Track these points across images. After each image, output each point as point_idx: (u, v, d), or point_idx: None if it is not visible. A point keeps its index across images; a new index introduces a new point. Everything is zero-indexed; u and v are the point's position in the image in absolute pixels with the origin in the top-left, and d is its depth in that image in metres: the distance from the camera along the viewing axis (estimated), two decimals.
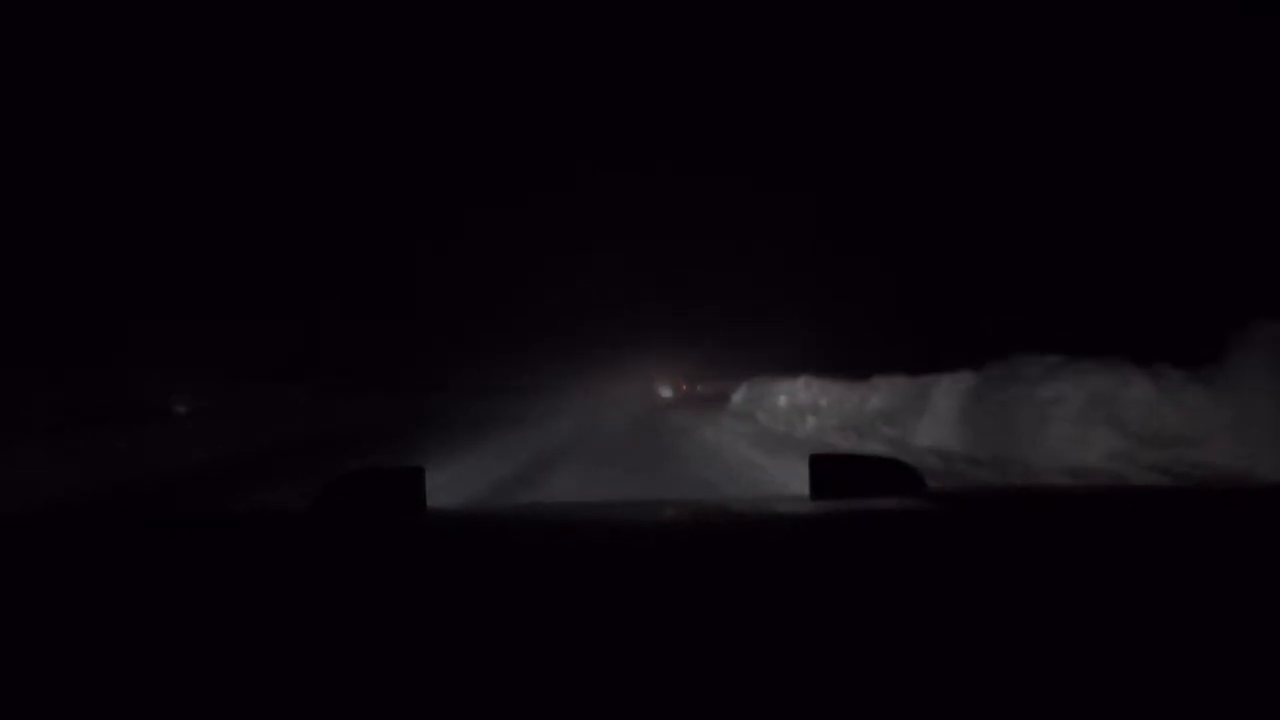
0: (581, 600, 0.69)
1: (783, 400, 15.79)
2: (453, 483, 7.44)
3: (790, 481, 6.93)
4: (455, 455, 10.10)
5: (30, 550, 0.98)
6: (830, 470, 1.36)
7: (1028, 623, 0.61)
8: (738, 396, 19.58)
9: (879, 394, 11.85)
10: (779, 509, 1.25)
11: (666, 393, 33.60)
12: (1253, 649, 0.55)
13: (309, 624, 0.65)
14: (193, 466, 9.95)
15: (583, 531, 1.09)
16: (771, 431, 13.25)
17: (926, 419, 9.65)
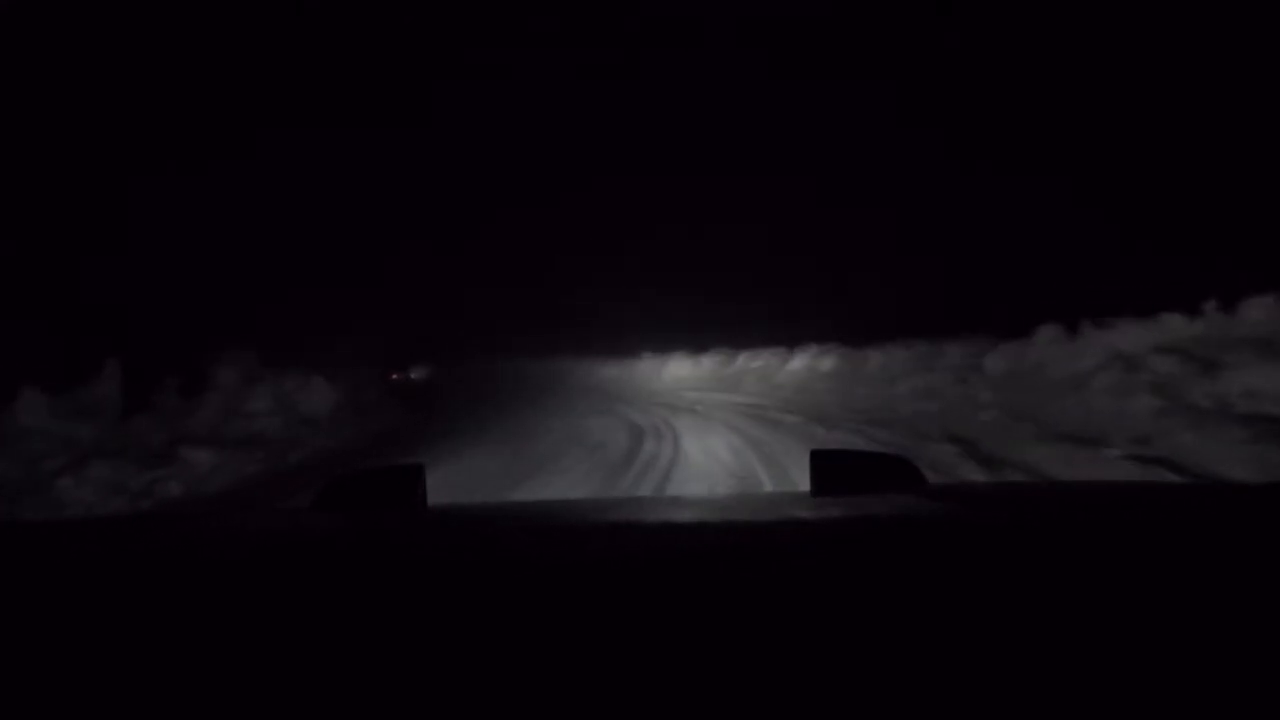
0: (581, 598, 0.68)
1: None
2: None
3: None
4: None
5: (36, 550, 0.98)
6: (831, 467, 1.35)
7: (1030, 621, 0.60)
8: None
9: None
10: (780, 506, 1.25)
11: None
12: (1254, 648, 0.54)
13: (309, 622, 0.64)
14: None
15: (583, 529, 1.08)
16: None
17: None
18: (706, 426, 8.80)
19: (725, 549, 0.87)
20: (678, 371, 16.91)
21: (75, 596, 0.73)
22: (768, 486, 5.46)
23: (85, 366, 7.82)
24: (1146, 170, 10.87)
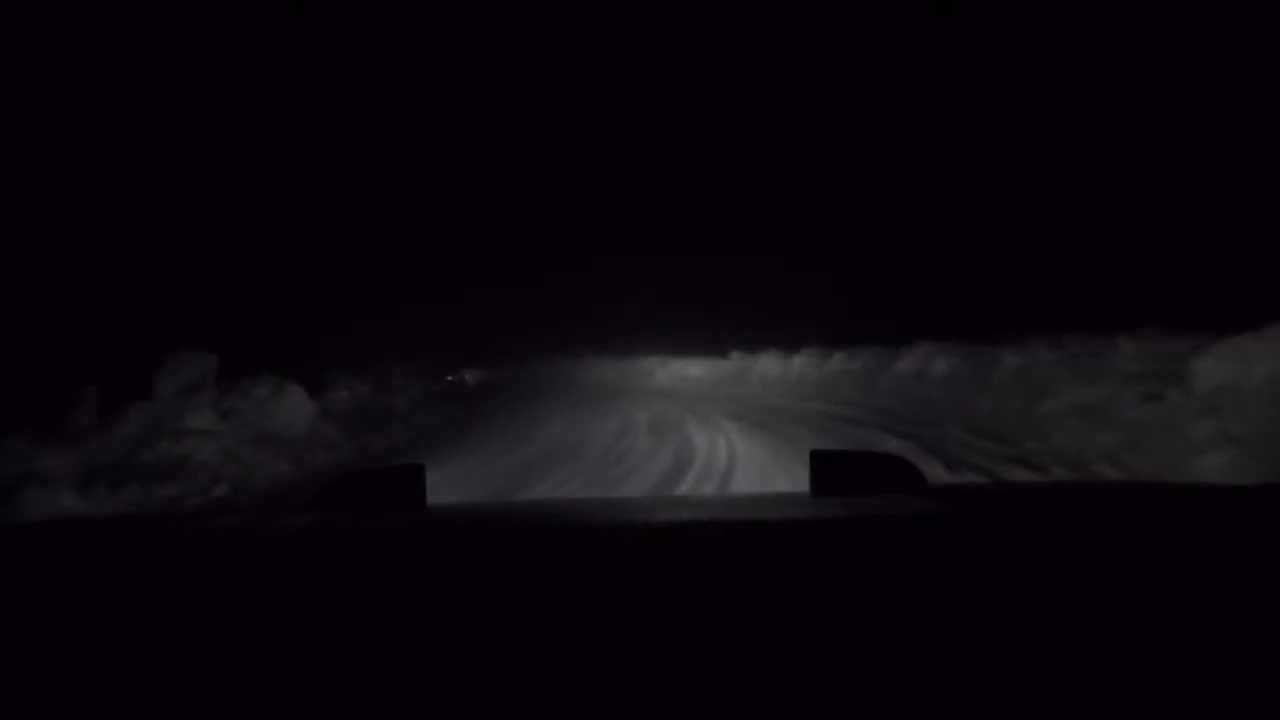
0: (581, 598, 0.68)
1: None
2: None
3: None
4: None
5: (38, 550, 1.00)
6: (831, 468, 1.35)
7: (1029, 620, 0.60)
8: None
9: None
10: (780, 507, 1.28)
11: None
12: (1254, 647, 0.54)
13: (307, 622, 0.64)
14: None
15: (582, 530, 1.11)
16: None
17: None
18: (775, 449, 7.06)
19: (725, 549, 0.88)
20: (767, 371, 15.20)
21: (74, 596, 0.73)
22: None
23: None
24: None
